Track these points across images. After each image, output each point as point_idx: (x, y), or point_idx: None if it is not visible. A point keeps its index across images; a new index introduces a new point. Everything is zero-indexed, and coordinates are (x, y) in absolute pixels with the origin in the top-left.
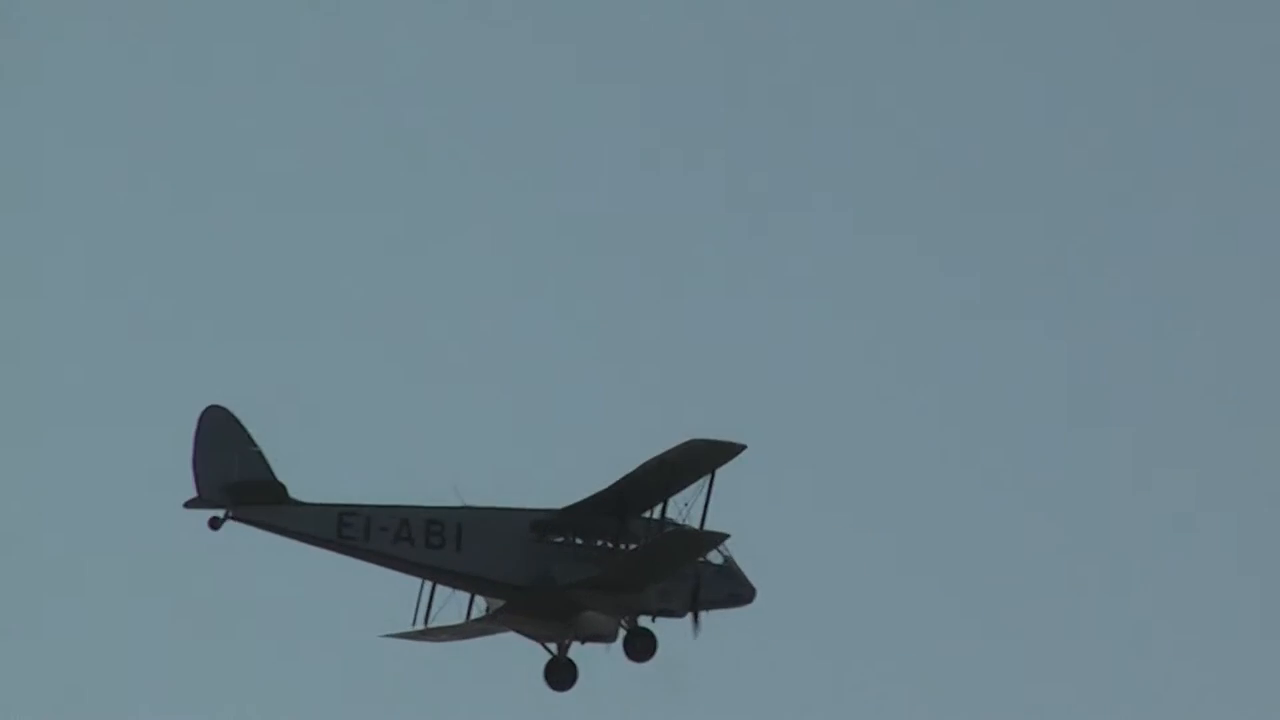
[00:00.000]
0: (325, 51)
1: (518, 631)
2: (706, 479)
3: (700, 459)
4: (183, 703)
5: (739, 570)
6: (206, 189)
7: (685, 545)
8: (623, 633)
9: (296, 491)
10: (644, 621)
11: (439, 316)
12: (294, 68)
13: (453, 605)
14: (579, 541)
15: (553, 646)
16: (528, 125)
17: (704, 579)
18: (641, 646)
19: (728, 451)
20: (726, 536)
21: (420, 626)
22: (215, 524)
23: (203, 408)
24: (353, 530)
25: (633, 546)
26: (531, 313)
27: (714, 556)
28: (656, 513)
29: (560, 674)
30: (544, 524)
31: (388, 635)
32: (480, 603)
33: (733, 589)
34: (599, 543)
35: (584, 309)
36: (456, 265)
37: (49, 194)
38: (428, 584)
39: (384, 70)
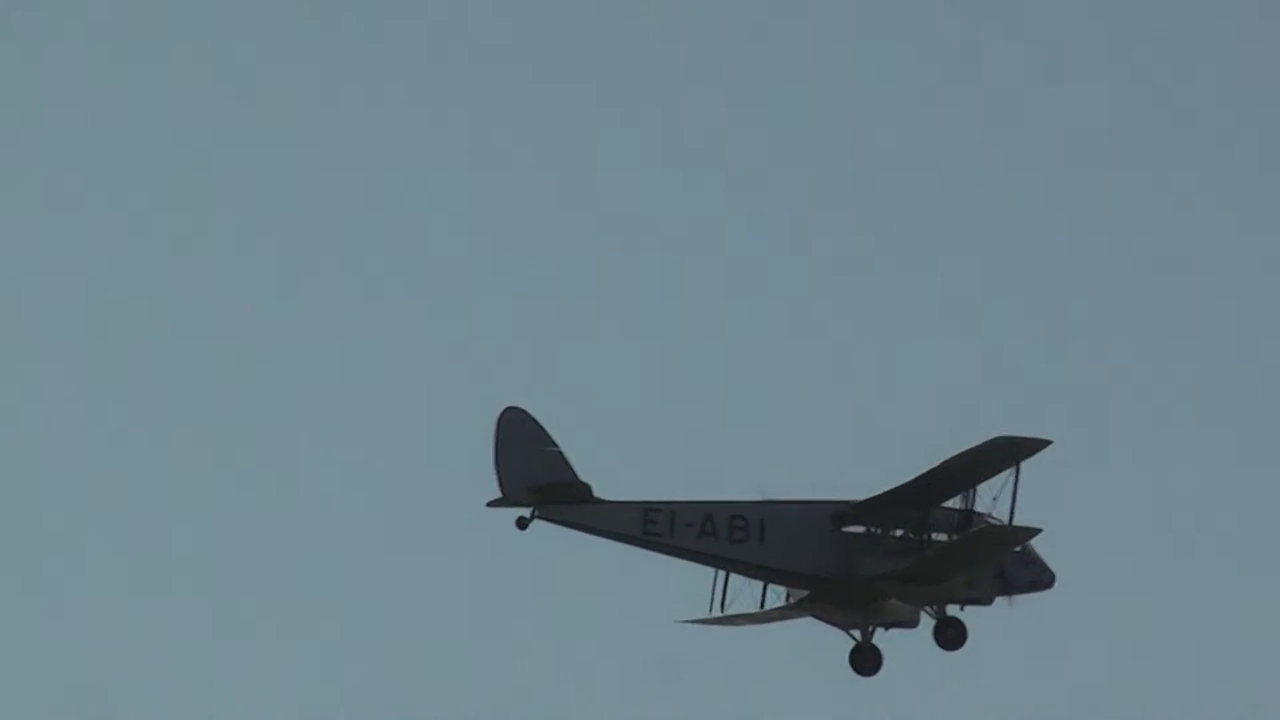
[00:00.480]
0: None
1: (820, 619)
2: (1012, 472)
3: (1006, 454)
4: (492, 692)
5: (1038, 556)
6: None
7: (997, 539)
8: (932, 622)
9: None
10: (952, 610)
11: (728, 311)
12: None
13: (747, 593)
14: (879, 532)
15: (856, 633)
16: None
17: (1007, 566)
18: (953, 635)
19: (1033, 447)
20: (1039, 531)
21: (717, 613)
22: (523, 523)
23: (500, 409)
24: (658, 526)
25: (935, 536)
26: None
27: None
28: (957, 501)
29: (865, 659)
30: (844, 515)
31: (685, 621)
32: (776, 591)
33: (1034, 575)
34: (899, 533)
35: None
36: (750, 260)
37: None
38: (722, 573)
39: None
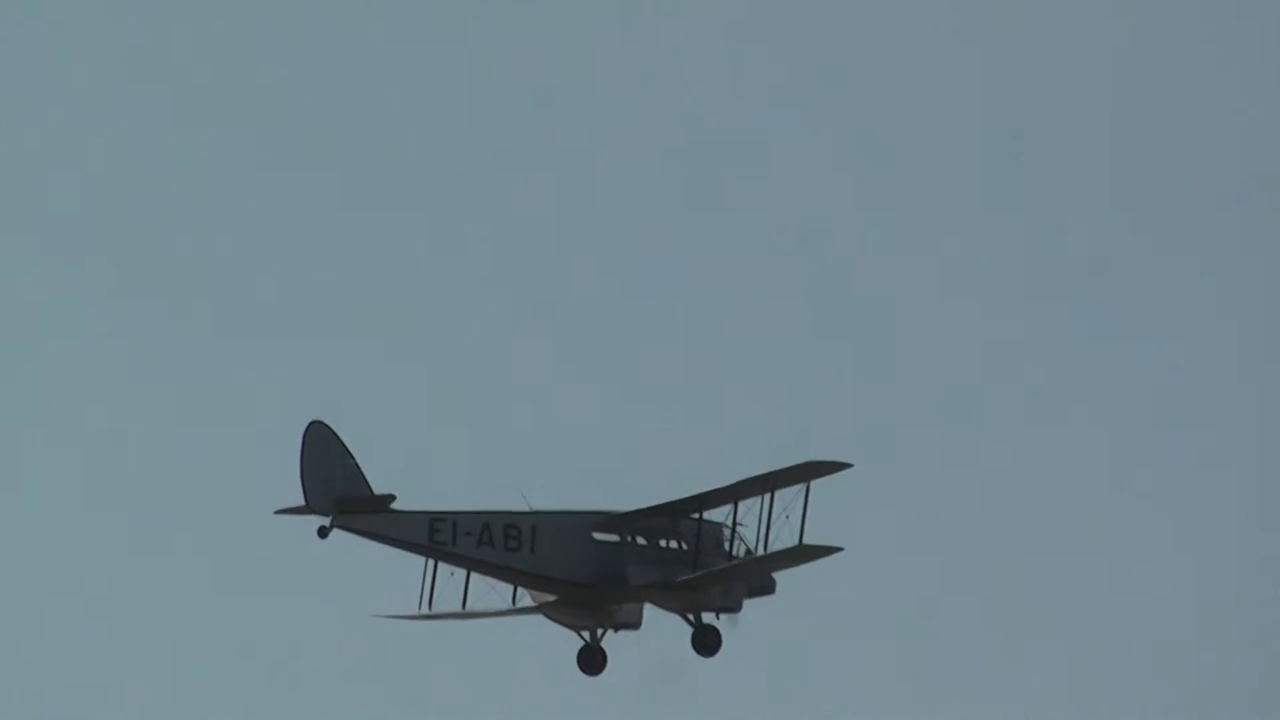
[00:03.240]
0: None
1: (551, 619)
2: (803, 489)
3: (806, 475)
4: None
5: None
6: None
7: (802, 557)
8: (690, 630)
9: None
10: (707, 618)
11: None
12: None
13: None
14: (642, 542)
15: (586, 634)
16: None
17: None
18: (710, 641)
19: (834, 469)
20: (840, 550)
21: (425, 610)
22: (323, 532)
23: (306, 422)
24: (442, 535)
25: (676, 545)
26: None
27: (740, 549)
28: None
29: (593, 660)
30: (604, 525)
31: (382, 616)
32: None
33: (764, 582)
34: (658, 542)
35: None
36: (547, 271)
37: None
38: (430, 567)
39: None
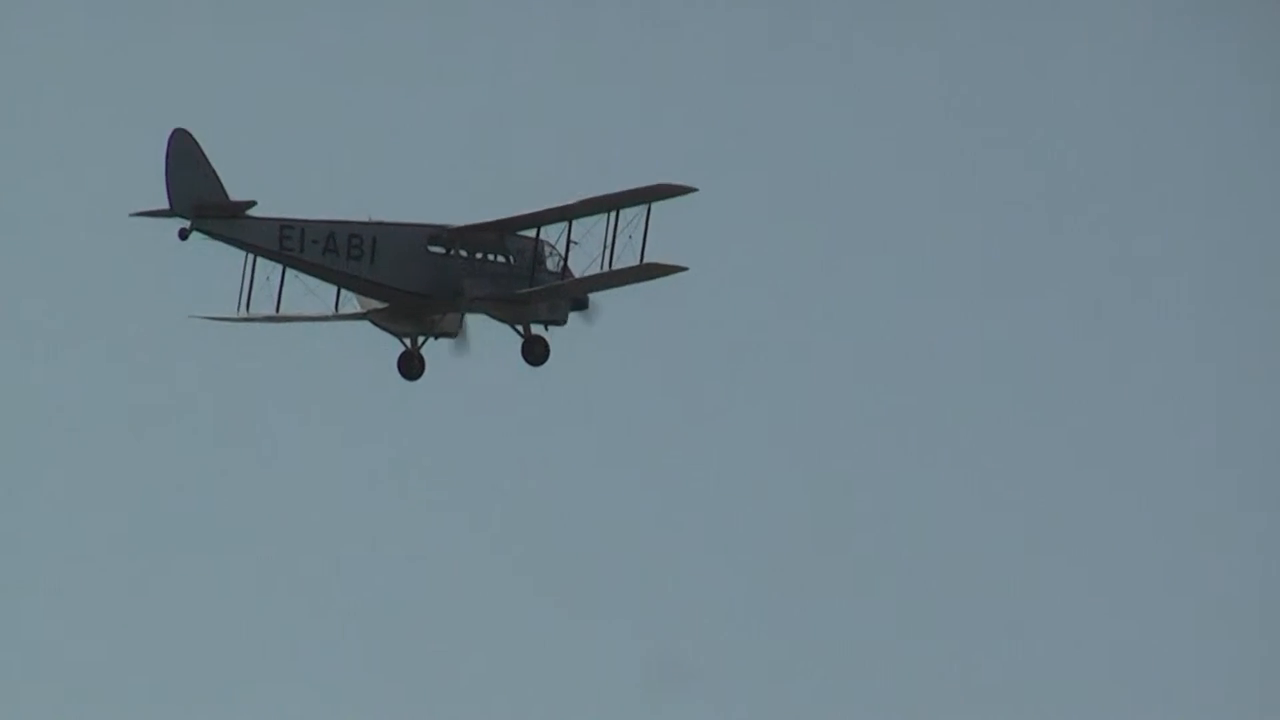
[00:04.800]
0: None
1: (378, 325)
2: (644, 209)
3: (649, 197)
4: None
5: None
6: None
7: (651, 273)
8: (519, 340)
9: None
10: (536, 329)
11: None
12: None
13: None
14: (468, 255)
15: (408, 341)
16: None
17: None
18: (540, 351)
19: (678, 192)
20: (685, 269)
21: (243, 312)
22: (183, 234)
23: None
24: (291, 242)
25: (507, 259)
26: None
27: (558, 265)
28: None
29: (412, 365)
30: (439, 238)
31: (200, 316)
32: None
33: (581, 298)
34: (481, 256)
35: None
36: None
37: None
38: (247, 270)
39: None
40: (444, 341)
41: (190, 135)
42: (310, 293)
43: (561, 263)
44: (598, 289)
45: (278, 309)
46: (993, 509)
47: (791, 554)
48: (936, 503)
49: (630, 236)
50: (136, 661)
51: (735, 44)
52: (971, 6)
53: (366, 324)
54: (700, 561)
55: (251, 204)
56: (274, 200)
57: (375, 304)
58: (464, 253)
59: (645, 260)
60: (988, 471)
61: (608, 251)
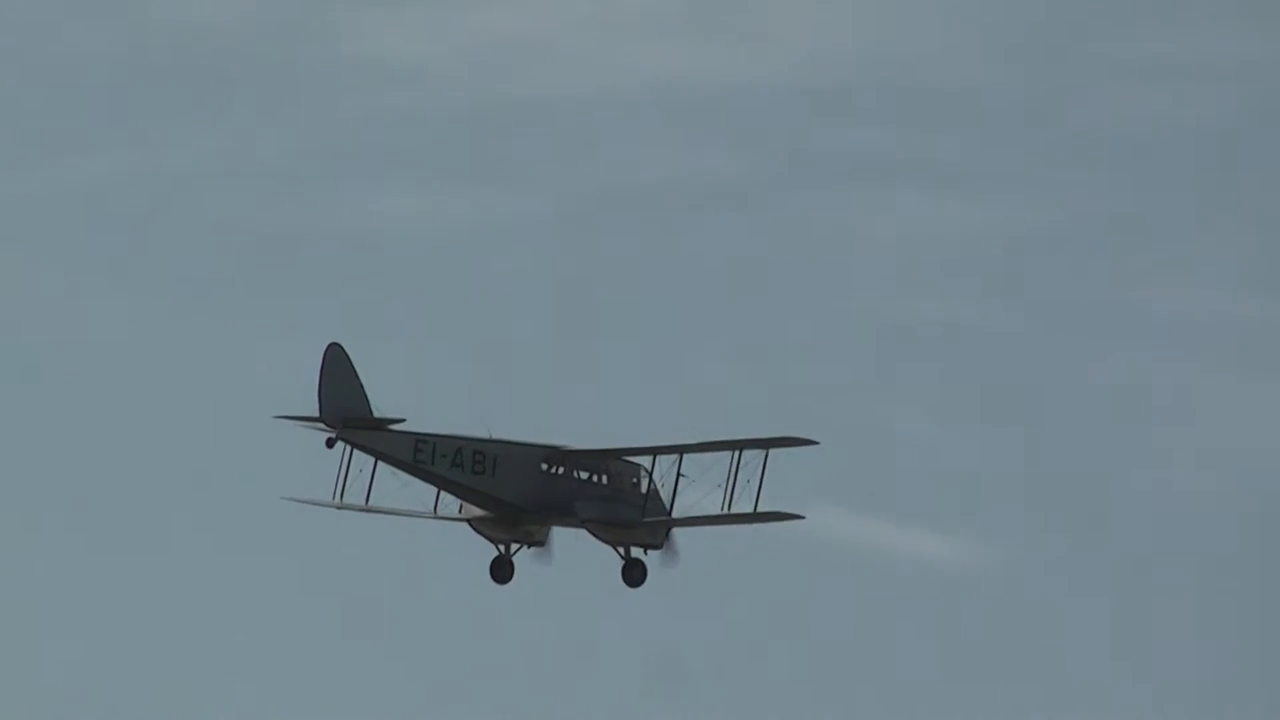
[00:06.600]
0: None
1: (478, 531)
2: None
3: (769, 446)
4: None
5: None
6: None
7: (769, 518)
8: (620, 562)
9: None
10: (635, 552)
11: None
12: None
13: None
14: (585, 477)
15: (501, 547)
16: None
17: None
18: (639, 575)
19: (797, 444)
20: (802, 518)
21: (337, 500)
22: (330, 443)
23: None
24: (423, 455)
25: (603, 480)
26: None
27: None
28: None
29: (503, 570)
30: (552, 458)
31: (293, 499)
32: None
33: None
34: (586, 476)
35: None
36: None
37: None
38: (344, 462)
39: None
40: (531, 549)
41: (342, 348)
42: (404, 487)
43: (652, 487)
44: (713, 525)
45: (367, 500)
46: None
47: None
48: None
49: (748, 480)
50: None
51: None
52: None
53: (463, 526)
54: None
55: (400, 420)
56: (399, 408)
57: (476, 510)
58: (573, 473)
59: (761, 506)
60: None
61: (728, 491)
